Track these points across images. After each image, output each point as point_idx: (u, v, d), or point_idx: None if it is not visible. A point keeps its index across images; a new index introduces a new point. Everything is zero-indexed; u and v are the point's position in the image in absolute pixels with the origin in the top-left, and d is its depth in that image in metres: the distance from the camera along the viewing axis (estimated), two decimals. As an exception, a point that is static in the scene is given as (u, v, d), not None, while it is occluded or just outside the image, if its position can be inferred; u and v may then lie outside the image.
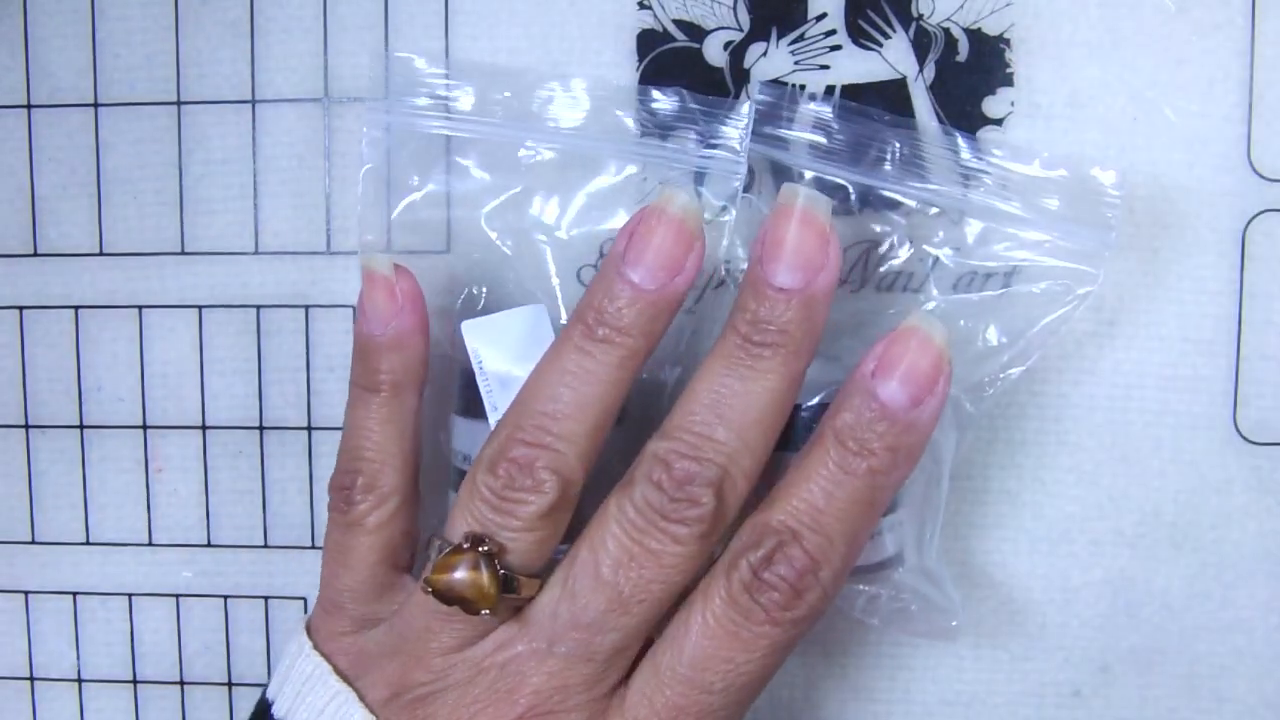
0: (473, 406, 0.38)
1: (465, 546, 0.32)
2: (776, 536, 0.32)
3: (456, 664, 0.34)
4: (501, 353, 0.37)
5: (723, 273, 0.40)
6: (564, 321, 0.40)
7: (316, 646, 0.37)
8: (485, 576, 0.32)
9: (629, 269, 0.33)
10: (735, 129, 0.39)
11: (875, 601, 0.38)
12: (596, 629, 0.33)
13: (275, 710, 0.36)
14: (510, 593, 0.32)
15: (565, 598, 0.33)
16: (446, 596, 0.32)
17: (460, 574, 0.32)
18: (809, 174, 0.39)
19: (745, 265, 0.41)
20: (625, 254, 0.33)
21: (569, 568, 0.33)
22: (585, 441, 0.33)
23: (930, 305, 0.39)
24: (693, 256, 0.33)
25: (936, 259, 0.40)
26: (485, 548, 0.32)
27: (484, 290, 0.41)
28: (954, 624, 0.39)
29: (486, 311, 0.39)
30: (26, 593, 0.46)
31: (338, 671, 0.35)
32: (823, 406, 0.36)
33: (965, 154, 0.39)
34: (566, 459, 0.33)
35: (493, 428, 0.36)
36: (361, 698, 0.34)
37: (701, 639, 0.32)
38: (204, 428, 0.44)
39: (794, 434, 0.36)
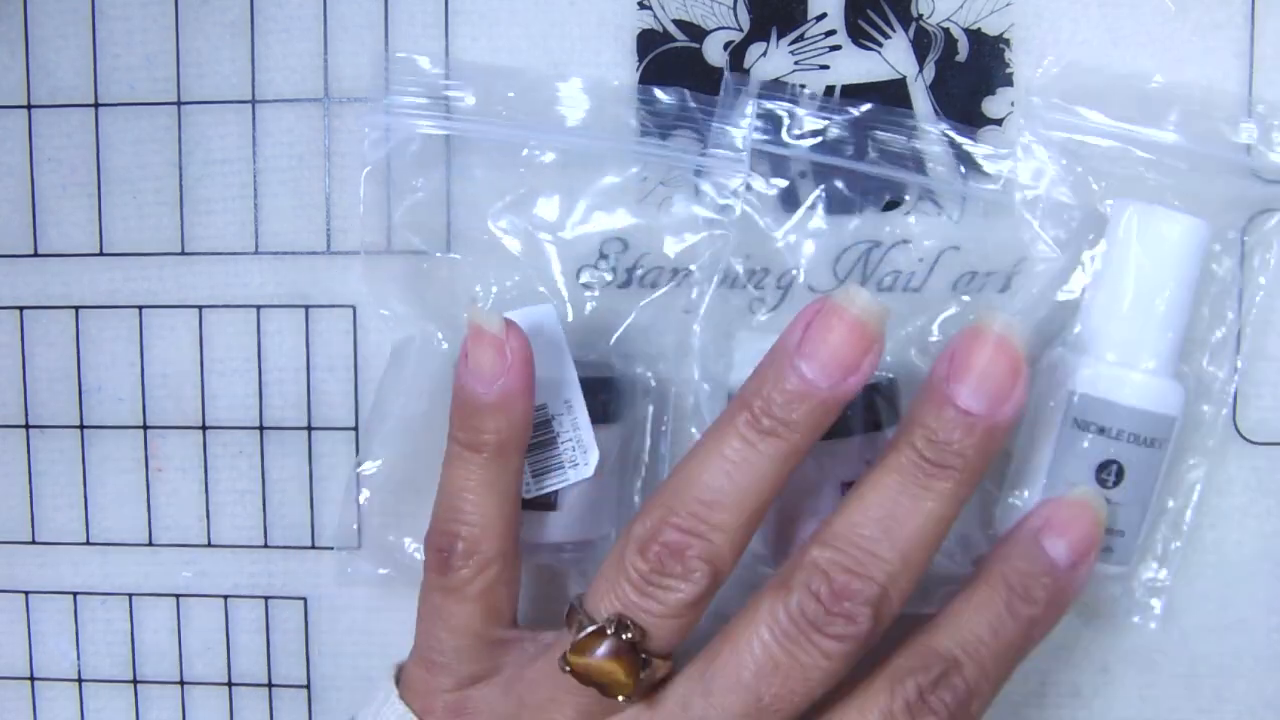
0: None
1: (609, 631, 0.32)
2: (944, 664, 0.32)
3: None
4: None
5: (738, 269, 0.40)
6: (570, 320, 0.40)
7: (406, 698, 0.36)
8: (626, 664, 0.31)
9: (804, 363, 0.32)
10: (735, 128, 0.39)
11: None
12: None
13: None
14: (644, 674, 0.32)
15: (701, 693, 0.32)
16: (584, 678, 0.32)
17: (602, 657, 0.31)
18: (808, 172, 0.39)
19: (739, 265, 0.41)
20: (801, 346, 0.32)
21: (709, 662, 0.32)
22: (739, 533, 0.32)
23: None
24: (869, 358, 0.32)
25: (937, 258, 0.40)
26: (629, 635, 0.32)
27: (492, 290, 0.41)
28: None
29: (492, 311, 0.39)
30: (26, 593, 0.46)
31: None
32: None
33: (965, 152, 0.39)
34: (720, 550, 0.32)
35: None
36: None
37: None
38: (204, 428, 0.44)
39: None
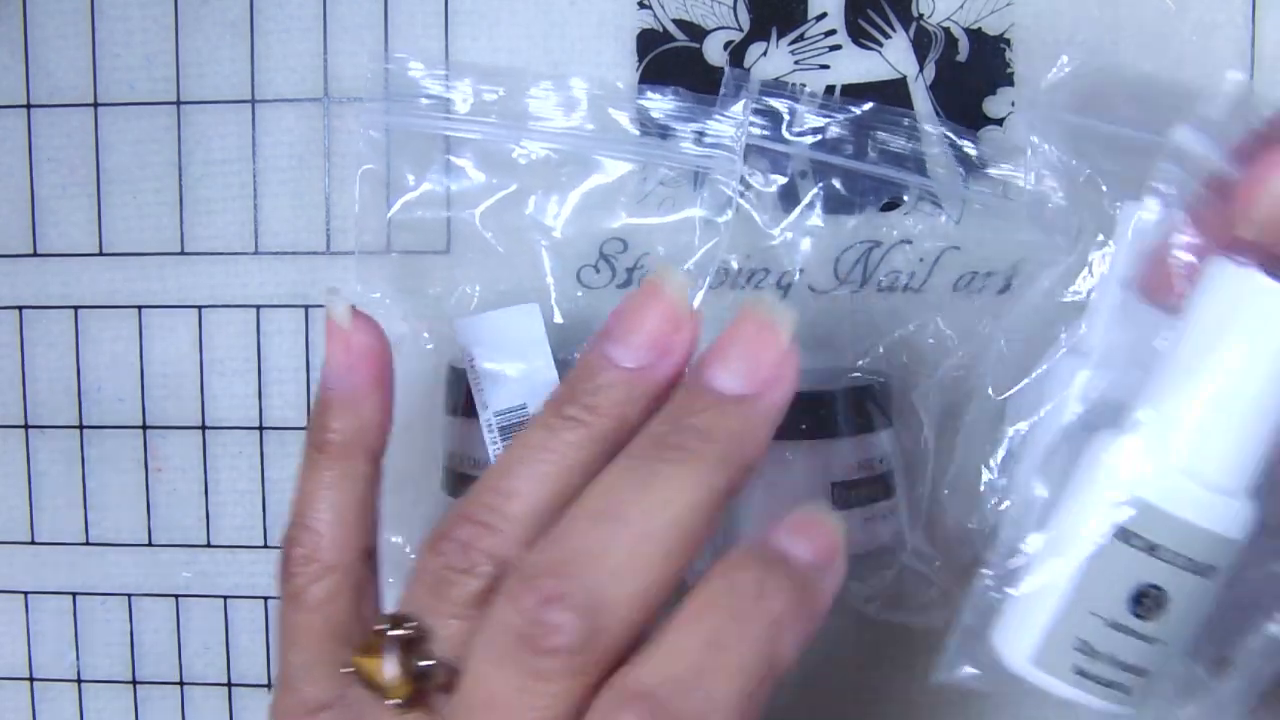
0: (462, 406, 0.38)
1: (387, 629, 0.29)
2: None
3: None
4: (494, 352, 0.37)
5: (735, 267, 0.40)
6: (557, 320, 0.40)
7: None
8: (395, 663, 0.28)
9: (609, 345, 0.30)
10: (734, 128, 0.39)
11: (872, 589, 0.38)
12: None
13: None
14: (428, 682, 0.29)
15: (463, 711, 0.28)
16: (365, 681, 0.29)
17: (376, 658, 0.28)
18: (808, 171, 0.39)
19: (736, 264, 0.41)
20: (610, 331, 0.30)
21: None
22: (533, 524, 0.29)
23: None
24: (681, 336, 0.29)
25: (937, 259, 0.40)
26: (404, 631, 0.29)
27: (477, 289, 0.41)
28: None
29: (480, 310, 0.39)
30: (26, 593, 0.46)
31: None
32: (815, 394, 0.36)
33: (966, 152, 0.39)
34: (509, 541, 0.29)
35: (483, 426, 0.36)
36: None
37: None
38: (204, 428, 0.44)
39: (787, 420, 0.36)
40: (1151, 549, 0.28)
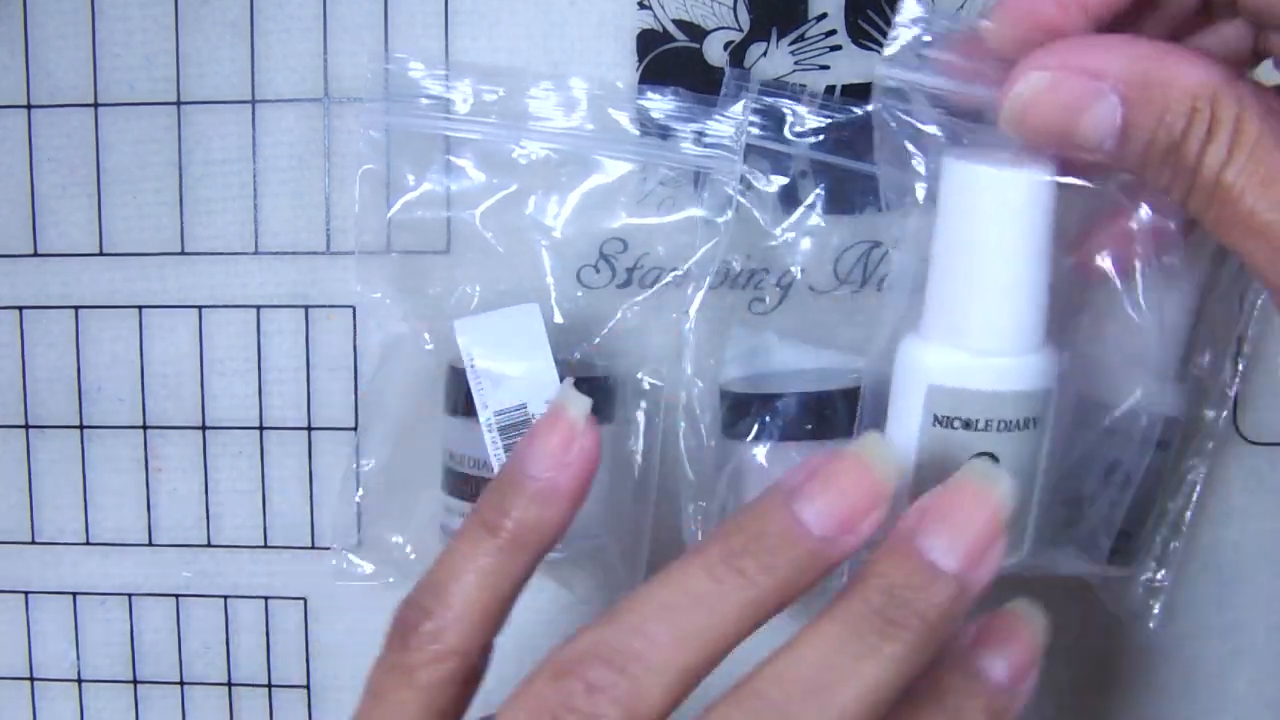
0: (462, 406, 0.38)
1: None
2: None
3: None
4: (493, 351, 0.37)
5: (735, 267, 0.40)
6: (557, 320, 0.40)
7: None
8: None
9: (803, 505, 0.28)
10: (734, 128, 0.39)
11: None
12: None
13: None
14: None
15: None
16: None
17: None
18: (808, 171, 0.39)
19: (737, 264, 0.41)
20: (801, 487, 0.28)
21: None
22: (676, 683, 0.27)
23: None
24: (874, 518, 0.28)
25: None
26: None
27: (477, 289, 0.41)
28: None
29: (480, 310, 0.39)
30: (26, 593, 0.46)
31: None
32: (819, 395, 0.37)
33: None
34: (646, 693, 0.27)
35: (483, 425, 0.36)
36: None
37: None
38: (204, 428, 0.44)
39: (791, 420, 0.36)
40: (967, 424, 0.31)
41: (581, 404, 0.32)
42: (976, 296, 0.31)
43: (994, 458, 0.31)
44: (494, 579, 0.31)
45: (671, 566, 0.28)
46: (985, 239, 0.31)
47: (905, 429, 0.32)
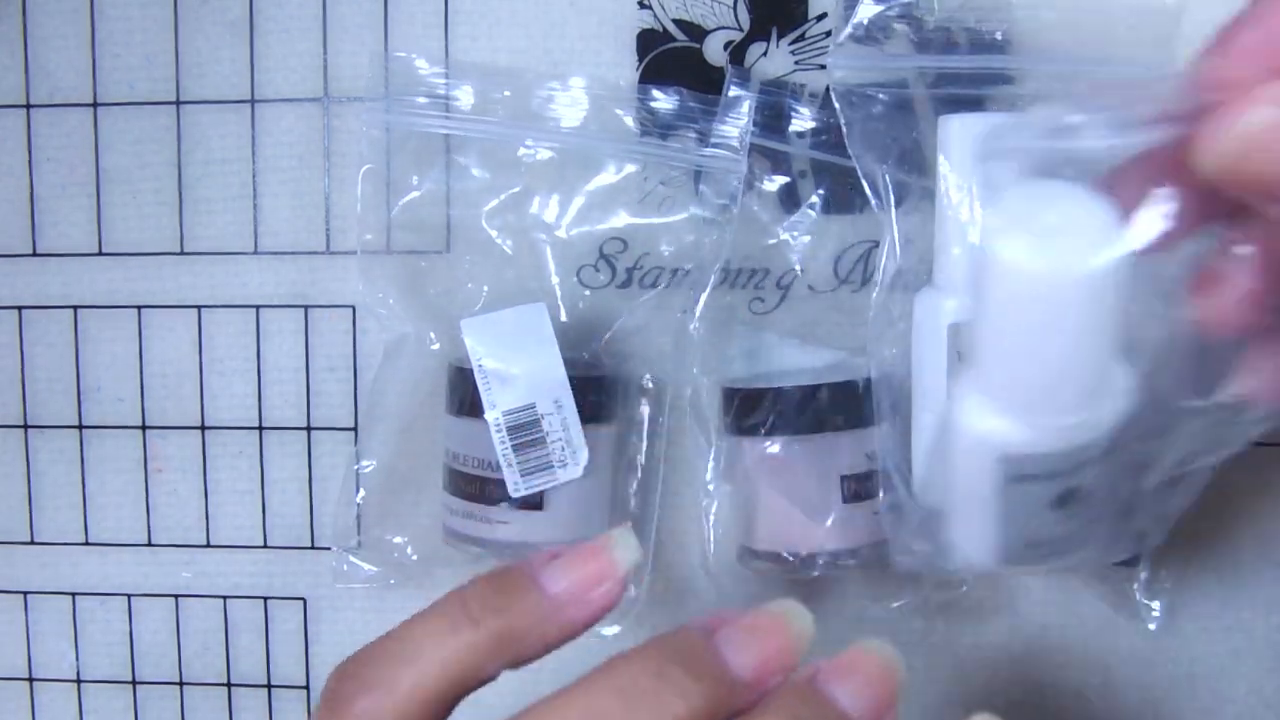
0: (467, 405, 0.38)
1: None
2: None
3: None
4: (500, 351, 0.37)
5: (735, 267, 0.40)
6: (562, 319, 0.40)
7: None
8: None
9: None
10: (735, 127, 0.39)
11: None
12: None
13: None
14: None
15: None
16: None
17: None
18: (809, 171, 0.39)
19: (738, 264, 0.41)
20: (735, 638, 0.28)
21: None
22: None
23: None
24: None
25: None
26: None
27: (484, 289, 0.41)
28: (964, 589, 0.39)
29: (485, 310, 0.39)
30: (26, 593, 0.46)
31: None
32: (818, 389, 0.37)
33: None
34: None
35: (490, 425, 0.36)
36: None
37: None
38: (204, 428, 0.44)
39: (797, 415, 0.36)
40: (1048, 476, 0.30)
41: (630, 551, 0.30)
42: (1030, 366, 0.29)
43: (1075, 489, 0.31)
44: (457, 673, 0.28)
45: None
46: (1028, 315, 0.28)
47: (975, 491, 0.31)
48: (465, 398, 0.38)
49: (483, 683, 0.29)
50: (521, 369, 0.37)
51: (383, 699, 0.28)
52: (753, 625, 0.29)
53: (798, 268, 0.40)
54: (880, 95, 0.38)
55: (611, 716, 0.26)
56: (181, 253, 0.43)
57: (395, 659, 0.28)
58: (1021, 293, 0.27)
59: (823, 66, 0.40)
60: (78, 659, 0.46)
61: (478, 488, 0.38)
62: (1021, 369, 0.29)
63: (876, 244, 0.40)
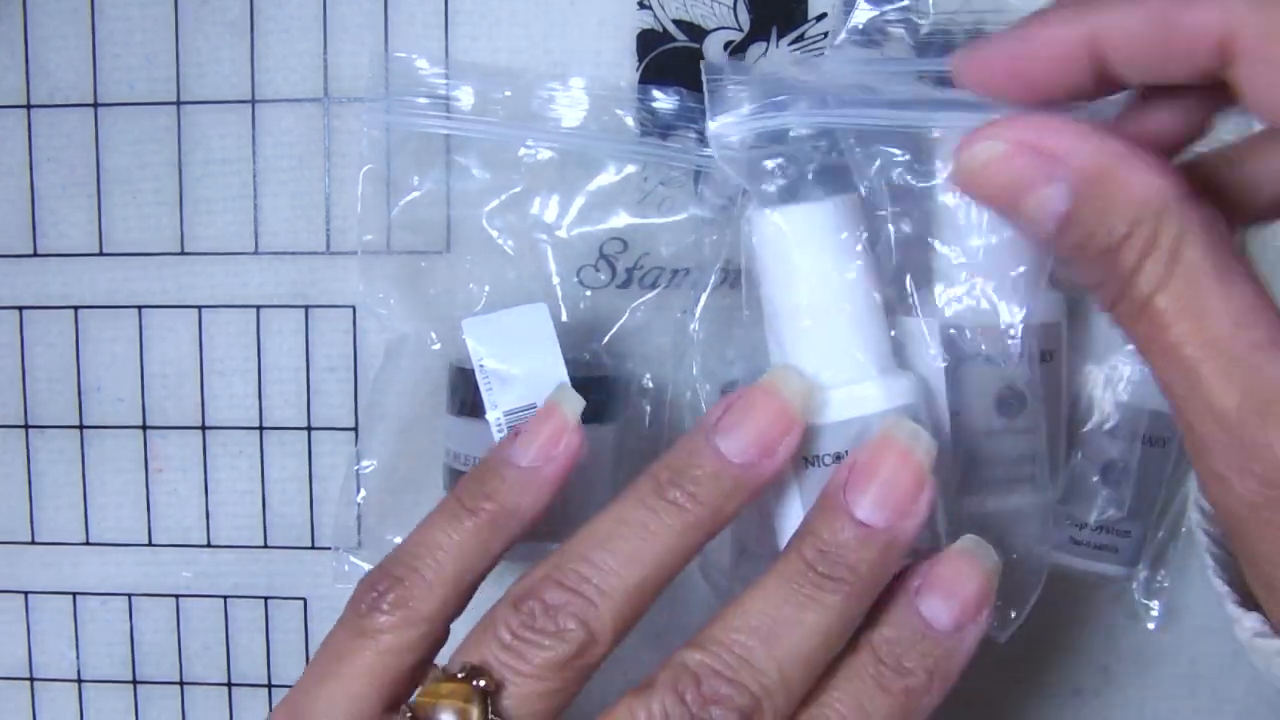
0: (468, 405, 0.38)
1: (460, 676, 0.29)
2: None
3: None
4: (502, 351, 0.37)
5: (735, 267, 0.40)
6: (563, 319, 0.40)
7: None
8: (474, 713, 0.28)
9: (719, 437, 0.31)
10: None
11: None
12: None
13: None
14: None
15: None
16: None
17: (446, 706, 0.29)
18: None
19: (739, 265, 0.41)
20: (719, 422, 0.31)
21: None
22: (624, 603, 0.30)
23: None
24: (789, 440, 0.31)
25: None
26: (481, 683, 0.29)
27: (485, 289, 0.41)
28: None
29: (486, 310, 0.39)
30: (26, 593, 0.46)
31: None
32: None
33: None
34: (599, 614, 0.29)
35: (492, 425, 0.36)
36: None
37: None
38: (204, 428, 0.44)
39: None
40: (838, 457, 0.32)
41: (575, 403, 0.33)
42: (815, 335, 0.33)
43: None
44: (467, 555, 0.32)
45: (611, 502, 0.31)
46: (799, 279, 0.33)
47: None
48: (466, 398, 0.38)
49: (493, 562, 0.32)
50: (522, 369, 0.37)
51: (410, 589, 0.31)
52: (746, 401, 0.31)
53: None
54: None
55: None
56: (182, 253, 0.43)
57: (412, 556, 0.32)
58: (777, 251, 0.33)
59: (823, 66, 0.40)
60: (78, 659, 0.46)
61: (478, 488, 0.38)
62: (803, 341, 0.33)
63: (877, 236, 0.40)
